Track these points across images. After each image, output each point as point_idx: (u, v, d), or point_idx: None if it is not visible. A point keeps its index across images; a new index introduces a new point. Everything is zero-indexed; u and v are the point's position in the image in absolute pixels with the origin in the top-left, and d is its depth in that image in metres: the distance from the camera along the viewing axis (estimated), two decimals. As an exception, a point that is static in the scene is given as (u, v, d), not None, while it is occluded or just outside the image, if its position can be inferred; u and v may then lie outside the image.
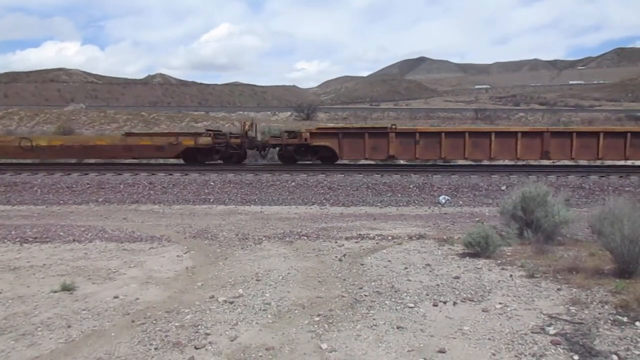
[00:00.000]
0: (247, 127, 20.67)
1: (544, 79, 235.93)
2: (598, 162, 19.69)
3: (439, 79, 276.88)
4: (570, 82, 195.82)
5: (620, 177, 16.03)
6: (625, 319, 4.36)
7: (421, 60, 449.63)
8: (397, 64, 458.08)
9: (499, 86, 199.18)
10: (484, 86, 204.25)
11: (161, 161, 21.06)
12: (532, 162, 20.13)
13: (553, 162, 20.44)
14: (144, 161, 21.16)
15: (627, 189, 14.42)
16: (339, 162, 19.93)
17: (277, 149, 20.27)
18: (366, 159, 19.51)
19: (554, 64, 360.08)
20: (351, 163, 20.48)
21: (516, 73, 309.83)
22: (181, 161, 20.67)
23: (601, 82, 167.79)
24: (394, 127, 18.99)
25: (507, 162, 20.18)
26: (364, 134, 18.84)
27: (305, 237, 8.48)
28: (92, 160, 21.67)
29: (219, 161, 20.12)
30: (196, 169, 18.08)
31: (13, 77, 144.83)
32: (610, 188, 14.59)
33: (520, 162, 20.19)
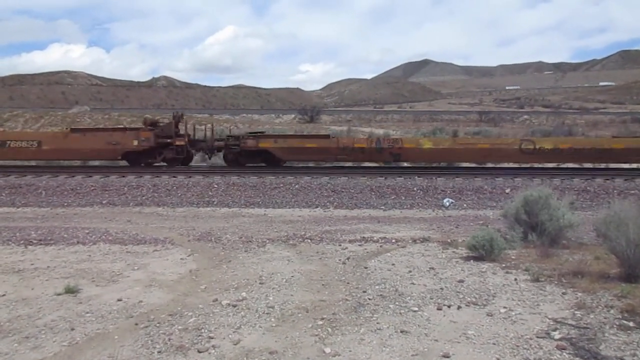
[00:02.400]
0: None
1: (549, 81, 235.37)
2: (603, 165, 19.62)
3: (443, 82, 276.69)
4: (507, 88, 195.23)
5: (626, 180, 15.94)
6: (631, 324, 4.33)
7: (425, 62, 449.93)
8: (401, 66, 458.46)
9: (503, 88, 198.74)
10: (515, 87, 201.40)
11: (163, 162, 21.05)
12: (537, 165, 20.07)
13: (558, 165, 20.36)
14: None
15: (632, 192, 14.33)
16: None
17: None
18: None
19: (558, 67, 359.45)
20: (355, 165, 20.47)
21: (520, 75, 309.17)
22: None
23: (606, 84, 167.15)
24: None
25: (511, 164, 20.12)
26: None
27: (309, 240, 8.47)
28: (96, 163, 21.67)
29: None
30: (200, 171, 18.09)
31: (18, 80, 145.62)
32: (615, 191, 14.51)
33: (525, 165, 20.14)
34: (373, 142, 19.59)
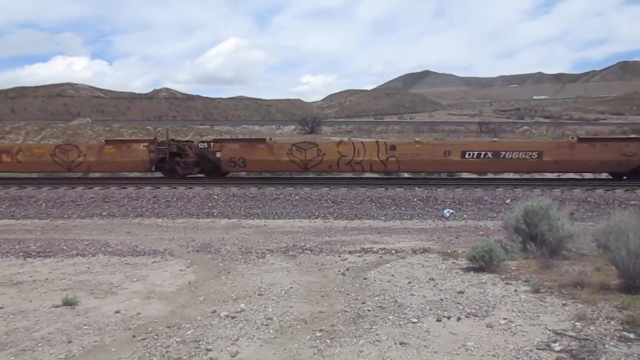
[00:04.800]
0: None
1: (549, 92, 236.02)
2: (604, 175, 19.61)
3: (443, 93, 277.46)
4: (535, 97, 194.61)
5: (626, 190, 15.94)
6: (631, 335, 4.29)
7: (425, 73, 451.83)
8: (402, 77, 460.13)
9: (503, 99, 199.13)
10: (542, 97, 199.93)
11: (158, 174, 21.07)
12: (537, 176, 20.07)
13: (559, 176, 20.36)
14: (149, 175, 21.22)
15: (632, 202, 14.31)
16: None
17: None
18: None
19: (558, 78, 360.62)
20: (355, 176, 20.48)
21: (520, 86, 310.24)
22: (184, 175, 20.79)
23: (605, 95, 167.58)
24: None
25: (511, 175, 20.13)
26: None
27: (309, 251, 8.45)
28: (97, 174, 21.73)
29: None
30: (200, 183, 18.11)
31: (20, 92, 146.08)
32: (615, 202, 14.49)
33: (525, 176, 20.15)
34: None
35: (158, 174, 20.91)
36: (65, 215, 14.53)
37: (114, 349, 4.32)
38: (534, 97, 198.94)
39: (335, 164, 19.02)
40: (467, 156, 18.26)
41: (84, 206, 15.47)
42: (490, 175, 20.47)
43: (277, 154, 19.16)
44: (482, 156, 18.22)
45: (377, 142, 19.50)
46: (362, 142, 19.66)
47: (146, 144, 19.89)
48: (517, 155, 18.17)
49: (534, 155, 18.17)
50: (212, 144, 19.73)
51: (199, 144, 20.05)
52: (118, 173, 21.35)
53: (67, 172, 20.34)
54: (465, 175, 20.77)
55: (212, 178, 19.58)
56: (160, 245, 9.34)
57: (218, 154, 19.36)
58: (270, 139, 20.31)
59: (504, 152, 18.28)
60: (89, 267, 7.42)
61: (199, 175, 20.16)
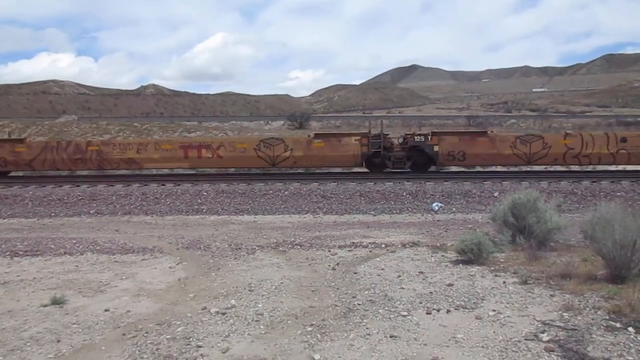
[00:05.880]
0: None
1: (535, 85, 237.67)
2: (590, 168, 19.83)
3: (431, 87, 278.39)
4: (534, 90, 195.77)
5: (612, 182, 16.13)
6: (618, 325, 4.36)
7: (413, 68, 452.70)
8: (390, 71, 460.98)
9: (491, 93, 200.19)
10: (541, 89, 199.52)
11: (154, 171, 20.91)
12: (525, 168, 20.24)
13: (546, 168, 20.55)
14: (137, 171, 21.04)
15: (618, 194, 14.50)
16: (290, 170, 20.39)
17: None
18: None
19: (544, 71, 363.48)
20: (345, 171, 20.49)
21: (507, 80, 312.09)
22: (175, 170, 20.67)
23: (591, 88, 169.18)
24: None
25: (499, 168, 20.27)
26: None
27: (299, 247, 8.45)
28: (84, 172, 21.51)
29: None
30: (188, 179, 18.02)
31: (4, 90, 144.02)
32: (601, 193, 14.67)
33: (512, 169, 20.30)
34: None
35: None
36: (53, 214, 14.38)
37: (103, 348, 4.30)
38: (534, 90, 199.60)
39: (561, 157, 18.76)
40: None
41: (71, 204, 15.32)
42: (478, 169, 20.60)
43: (499, 147, 18.71)
44: None
45: (606, 134, 19.05)
46: (590, 135, 19.16)
47: (358, 137, 19.24)
48: None
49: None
50: (429, 137, 19.09)
51: (415, 137, 19.28)
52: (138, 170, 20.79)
53: (271, 168, 19.74)
54: (453, 168, 20.86)
55: (418, 172, 18.96)
56: (150, 242, 9.29)
57: (436, 148, 18.83)
58: (492, 131, 19.83)
59: None
60: (77, 266, 7.36)
61: (405, 169, 19.39)
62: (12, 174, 21.00)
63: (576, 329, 4.33)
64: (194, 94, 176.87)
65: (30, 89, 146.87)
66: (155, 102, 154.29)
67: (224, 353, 4.12)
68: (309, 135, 20.30)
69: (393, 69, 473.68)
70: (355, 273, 6.51)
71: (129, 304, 5.48)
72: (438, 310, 4.99)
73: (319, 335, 4.42)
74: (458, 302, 5.19)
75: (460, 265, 6.73)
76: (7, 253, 8.30)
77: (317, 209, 14.30)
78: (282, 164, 19.47)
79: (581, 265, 6.29)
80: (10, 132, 43.58)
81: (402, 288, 5.77)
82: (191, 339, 4.40)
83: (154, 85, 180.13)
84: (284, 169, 20.12)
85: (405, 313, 4.92)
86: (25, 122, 49.60)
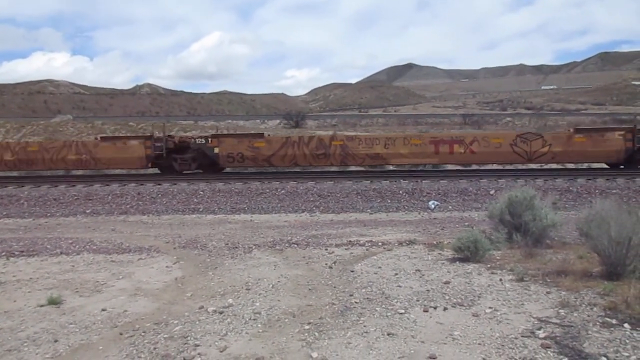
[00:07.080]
0: None
1: (530, 83, 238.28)
2: (585, 166, 19.90)
3: (427, 85, 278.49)
4: (543, 87, 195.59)
5: (607, 179, 16.19)
6: (614, 321, 4.38)
7: (409, 66, 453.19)
8: (385, 70, 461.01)
9: (486, 91, 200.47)
10: (551, 87, 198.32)
11: (150, 171, 20.86)
12: (520, 167, 20.30)
13: (541, 166, 20.61)
14: (133, 171, 20.98)
15: (613, 191, 14.56)
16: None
17: None
18: None
19: (539, 69, 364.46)
20: (341, 170, 20.51)
21: (503, 78, 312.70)
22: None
23: (586, 86, 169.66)
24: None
25: (495, 166, 20.32)
26: None
27: (296, 245, 8.46)
28: (79, 172, 21.42)
29: None
30: (185, 179, 17.99)
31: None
32: (597, 191, 14.72)
33: (508, 167, 20.35)
34: None
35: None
36: (48, 214, 14.33)
37: (101, 347, 4.29)
38: (543, 87, 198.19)
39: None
40: None
41: (67, 204, 15.28)
42: (474, 167, 20.65)
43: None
44: None
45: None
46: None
47: (622, 132, 18.21)
48: None
49: None
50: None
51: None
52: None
53: (527, 163, 19.17)
54: (449, 167, 20.92)
55: None
56: (146, 242, 9.28)
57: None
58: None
59: None
60: (73, 266, 7.35)
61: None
62: (14, 174, 20.90)
63: (572, 326, 4.35)
64: (189, 93, 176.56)
65: (25, 88, 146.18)
66: (150, 102, 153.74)
67: (221, 352, 4.12)
68: (569, 130, 19.42)
69: (389, 67, 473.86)
70: (352, 271, 6.52)
71: (126, 304, 5.47)
72: (435, 308, 5.00)
73: (316, 334, 4.43)
74: (455, 300, 5.21)
75: (457, 263, 6.75)
76: (3, 253, 8.27)
77: (314, 208, 14.30)
78: (539, 160, 18.86)
79: (577, 262, 6.32)
80: (5, 132, 43.38)
81: (399, 286, 5.78)
82: (189, 338, 4.40)
83: (149, 85, 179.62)
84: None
85: (403, 311, 4.94)
86: (20, 122, 49.41)
